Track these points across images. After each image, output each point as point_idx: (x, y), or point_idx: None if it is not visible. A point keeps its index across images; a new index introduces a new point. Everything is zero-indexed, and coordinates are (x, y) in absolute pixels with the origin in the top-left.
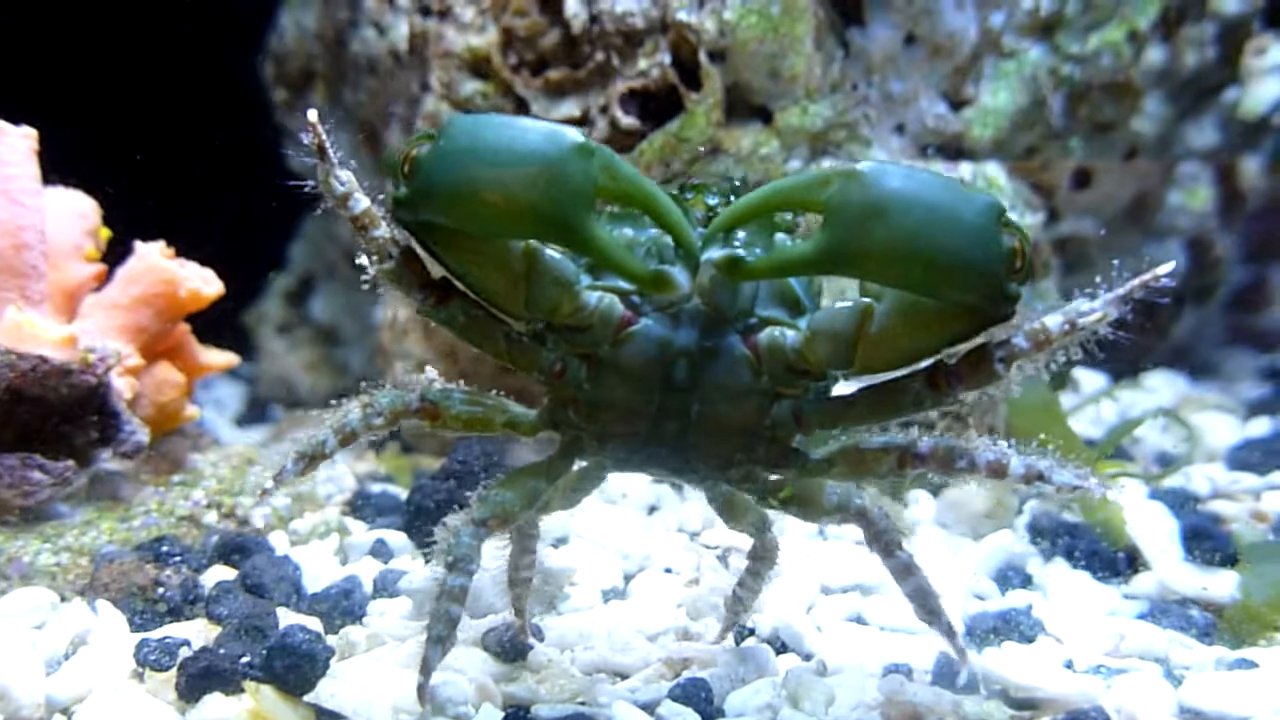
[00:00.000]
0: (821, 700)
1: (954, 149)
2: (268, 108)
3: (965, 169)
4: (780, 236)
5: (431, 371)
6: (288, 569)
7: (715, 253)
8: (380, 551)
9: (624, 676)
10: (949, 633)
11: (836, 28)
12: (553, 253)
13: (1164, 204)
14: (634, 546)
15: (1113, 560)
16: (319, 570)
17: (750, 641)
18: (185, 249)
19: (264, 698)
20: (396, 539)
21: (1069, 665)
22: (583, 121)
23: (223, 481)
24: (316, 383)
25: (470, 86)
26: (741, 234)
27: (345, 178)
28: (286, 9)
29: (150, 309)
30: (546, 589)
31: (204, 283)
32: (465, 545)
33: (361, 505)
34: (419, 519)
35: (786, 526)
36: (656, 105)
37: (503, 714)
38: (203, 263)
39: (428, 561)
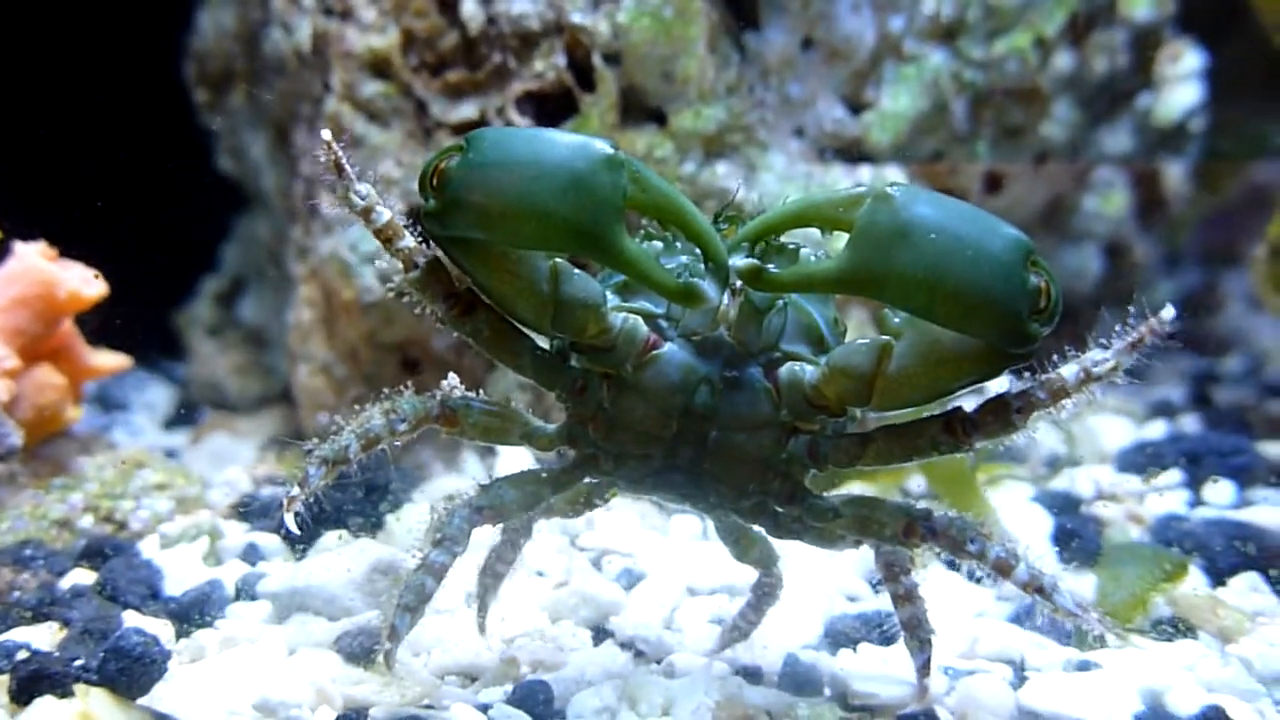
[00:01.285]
0: (659, 702)
1: (854, 153)
2: (192, 108)
3: (865, 173)
4: (805, 252)
5: (453, 379)
6: (147, 572)
7: (740, 261)
8: (251, 555)
9: (475, 679)
10: (924, 666)
11: (732, 31)
12: (580, 272)
13: (1079, 208)
14: None
15: None
16: (183, 574)
17: (607, 644)
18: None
19: (94, 701)
20: (271, 542)
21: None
22: (480, 123)
23: (105, 485)
24: (245, 386)
25: (371, 87)
26: (772, 265)
27: (365, 191)
28: (206, 8)
29: (28, 311)
30: None
31: (84, 284)
32: (456, 527)
33: (248, 508)
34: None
35: (671, 527)
36: (552, 107)
37: (336, 716)
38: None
39: (299, 560)
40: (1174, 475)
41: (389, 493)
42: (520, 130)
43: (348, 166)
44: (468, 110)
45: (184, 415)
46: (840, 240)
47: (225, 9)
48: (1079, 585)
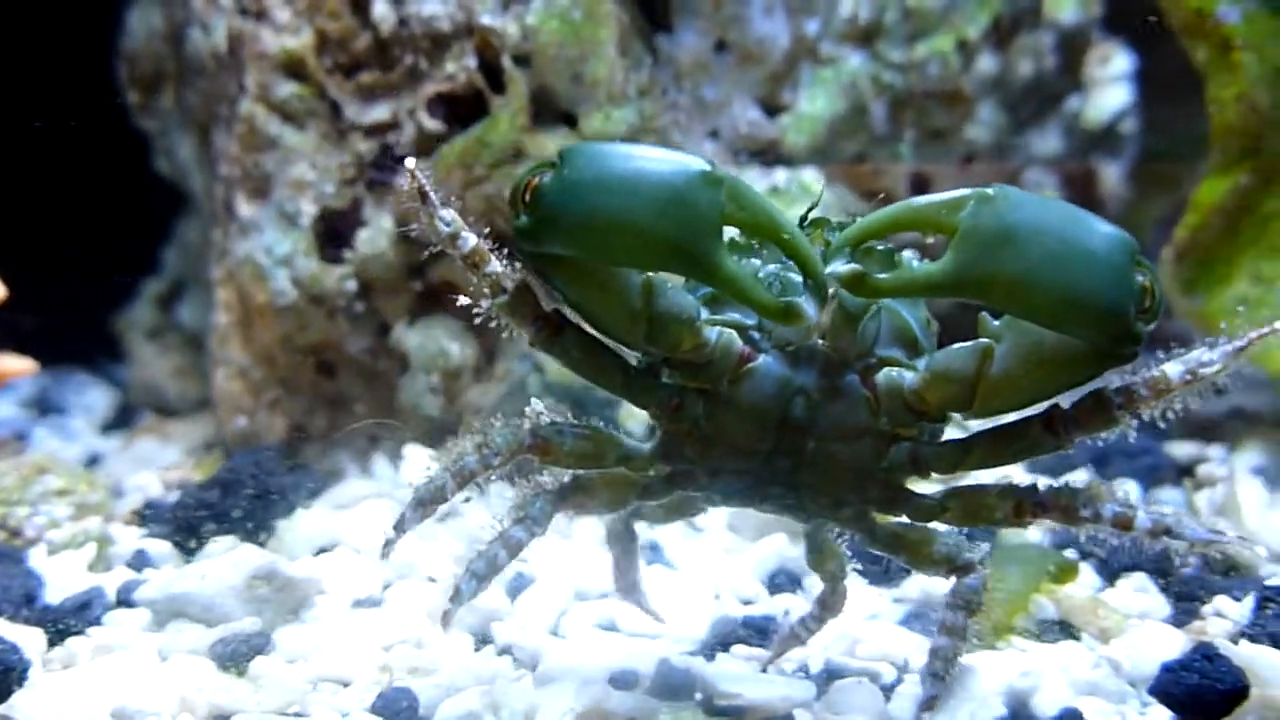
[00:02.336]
0: (521, 708)
1: (770, 155)
2: (126, 110)
3: (781, 175)
4: (907, 255)
5: (537, 404)
6: (26, 580)
7: (841, 267)
8: (139, 561)
9: (348, 686)
10: (929, 694)
11: (644, 33)
12: (673, 287)
13: None
14: (401, 555)
15: (889, 564)
16: (66, 581)
17: (486, 650)
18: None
19: None
20: (161, 548)
21: (803, 669)
22: (392, 125)
23: (3, 491)
24: (184, 389)
25: (285, 89)
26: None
27: (450, 218)
28: (136, 8)
29: None
30: (289, 599)
31: None
32: (539, 509)
33: (150, 513)
34: (180, 529)
35: (574, 531)
36: (464, 109)
37: None
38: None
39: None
40: (1081, 476)
41: (284, 498)
42: (616, 146)
43: (432, 193)
44: (380, 112)
45: (121, 419)
46: None
47: (153, 9)
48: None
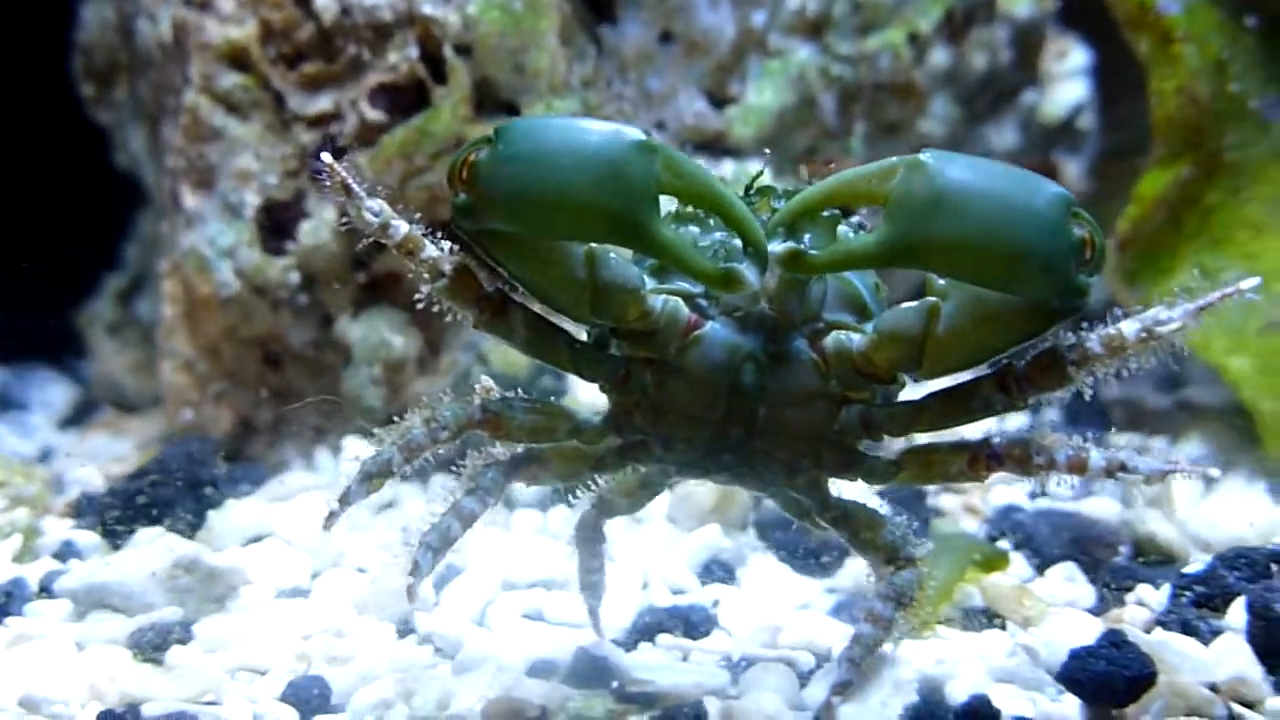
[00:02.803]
0: (434, 696)
1: (718, 147)
2: (81, 103)
3: (728, 167)
4: (843, 230)
5: (487, 381)
6: None
7: (778, 246)
8: (65, 552)
9: (264, 674)
10: (842, 679)
11: (587, 24)
12: (616, 257)
13: None
14: (333, 544)
15: (820, 554)
16: None
17: (408, 640)
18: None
19: None
20: (89, 539)
21: (726, 659)
22: (335, 115)
23: None
24: (143, 384)
25: (229, 79)
26: (808, 236)
27: (377, 207)
28: (89, 1)
29: None
30: (213, 588)
31: None
32: (490, 479)
33: (85, 505)
34: (109, 520)
35: (513, 523)
36: (406, 99)
37: (100, 711)
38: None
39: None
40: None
41: (217, 489)
42: (551, 119)
43: (354, 185)
44: (324, 103)
45: (80, 414)
46: None
47: (105, 1)
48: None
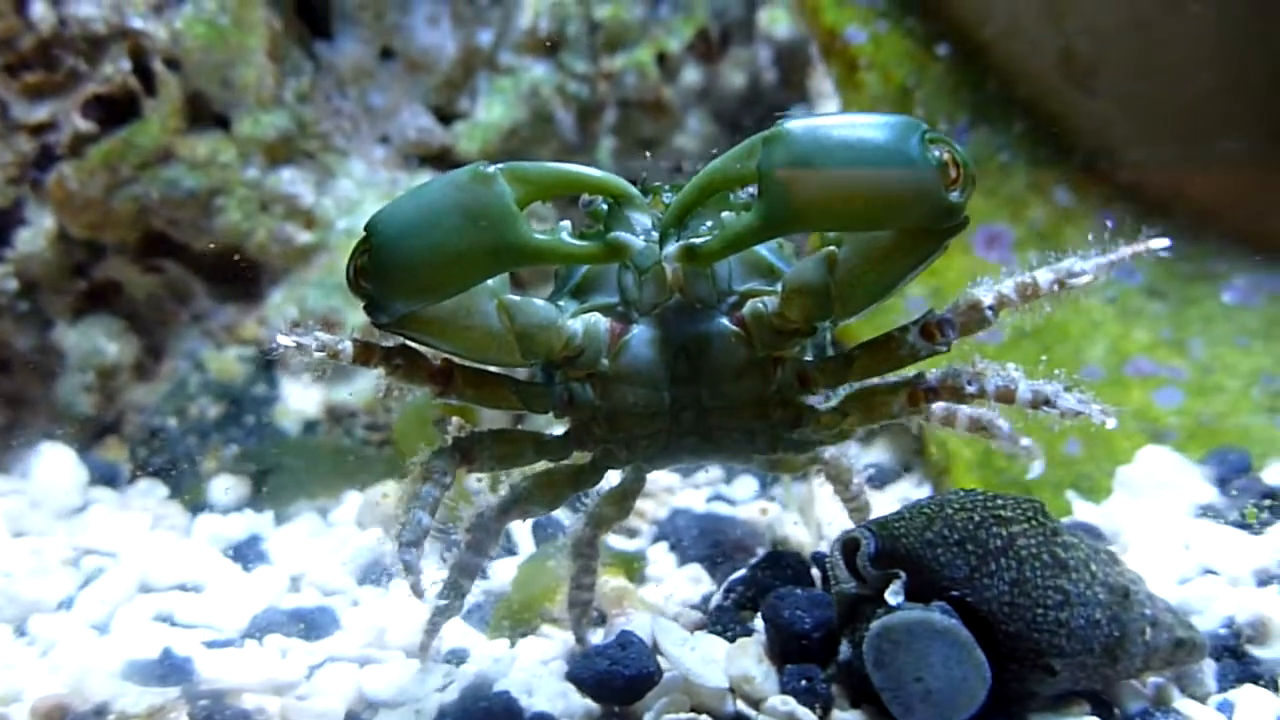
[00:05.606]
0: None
1: (444, 162)
2: None
3: None
4: (727, 215)
5: (455, 423)
6: None
7: (670, 248)
8: None
9: None
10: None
11: (303, 40)
12: (525, 299)
13: None
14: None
15: None
16: None
17: (21, 641)
18: None
19: None
20: None
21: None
22: (51, 125)
23: None
24: None
25: None
26: (706, 224)
27: (318, 343)
28: None
29: None
30: None
31: None
32: (486, 520)
33: None
34: None
35: (195, 529)
36: (119, 110)
37: None
38: None
39: None
40: (716, 473)
41: None
42: (407, 194)
43: (303, 341)
44: (44, 112)
45: None
46: None
47: None
48: (504, 574)
